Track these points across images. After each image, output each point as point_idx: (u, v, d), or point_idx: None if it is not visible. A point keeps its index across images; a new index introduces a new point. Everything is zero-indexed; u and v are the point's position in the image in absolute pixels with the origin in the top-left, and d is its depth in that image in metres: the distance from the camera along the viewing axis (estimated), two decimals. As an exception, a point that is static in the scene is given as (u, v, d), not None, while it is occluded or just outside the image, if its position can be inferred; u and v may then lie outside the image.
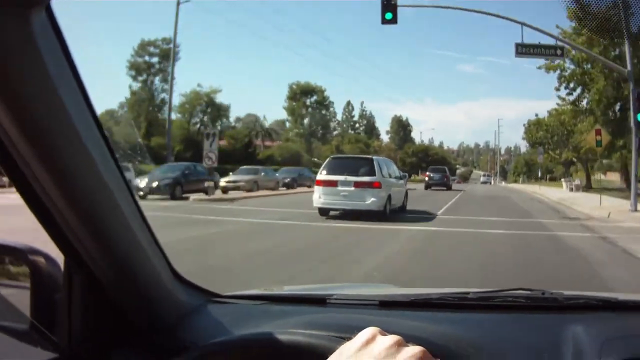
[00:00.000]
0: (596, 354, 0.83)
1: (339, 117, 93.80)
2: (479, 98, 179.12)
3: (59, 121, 0.70)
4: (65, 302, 0.90)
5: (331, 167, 12.99)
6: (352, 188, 12.48)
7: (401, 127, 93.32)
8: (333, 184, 12.60)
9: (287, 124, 67.41)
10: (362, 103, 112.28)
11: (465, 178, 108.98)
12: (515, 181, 78.84)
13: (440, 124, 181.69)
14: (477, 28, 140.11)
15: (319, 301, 1.18)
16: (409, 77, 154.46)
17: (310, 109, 67.00)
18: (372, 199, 12.40)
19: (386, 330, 0.57)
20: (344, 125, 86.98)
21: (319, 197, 12.74)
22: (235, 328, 0.97)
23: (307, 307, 1.15)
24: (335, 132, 73.79)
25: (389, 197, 13.00)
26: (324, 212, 12.96)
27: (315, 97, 67.36)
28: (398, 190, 14.33)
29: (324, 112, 68.50)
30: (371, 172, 12.65)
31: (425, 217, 13.53)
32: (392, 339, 0.54)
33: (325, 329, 0.83)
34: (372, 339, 0.54)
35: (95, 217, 0.81)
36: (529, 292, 1.20)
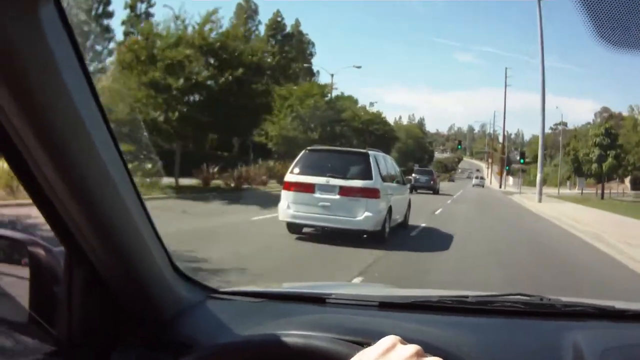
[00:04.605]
0: None
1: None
2: (476, 87, 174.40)
3: (65, 114, 0.71)
4: (65, 295, 0.91)
5: (306, 164, 8.72)
6: (337, 196, 8.31)
7: (285, 37, 54.17)
8: (309, 188, 8.42)
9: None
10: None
11: (448, 169, 74.99)
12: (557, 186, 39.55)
13: (434, 110, 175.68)
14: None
15: (318, 300, 1.20)
16: (402, 62, 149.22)
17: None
18: (367, 213, 8.24)
19: (386, 332, 0.59)
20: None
21: (287, 206, 8.55)
22: (234, 325, 1.01)
23: (306, 306, 1.17)
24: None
25: (390, 210, 8.91)
26: (294, 228, 8.84)
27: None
28: (400, 199, 10.16)
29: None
30: (365, 173, 8.45)
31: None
32: (412, 348, 0.55)
33: (326, 330, 0.87)
34: (392, 347, 0.56)
35: (97, 210, 0.82)
36: (527, 297, 1.21)
